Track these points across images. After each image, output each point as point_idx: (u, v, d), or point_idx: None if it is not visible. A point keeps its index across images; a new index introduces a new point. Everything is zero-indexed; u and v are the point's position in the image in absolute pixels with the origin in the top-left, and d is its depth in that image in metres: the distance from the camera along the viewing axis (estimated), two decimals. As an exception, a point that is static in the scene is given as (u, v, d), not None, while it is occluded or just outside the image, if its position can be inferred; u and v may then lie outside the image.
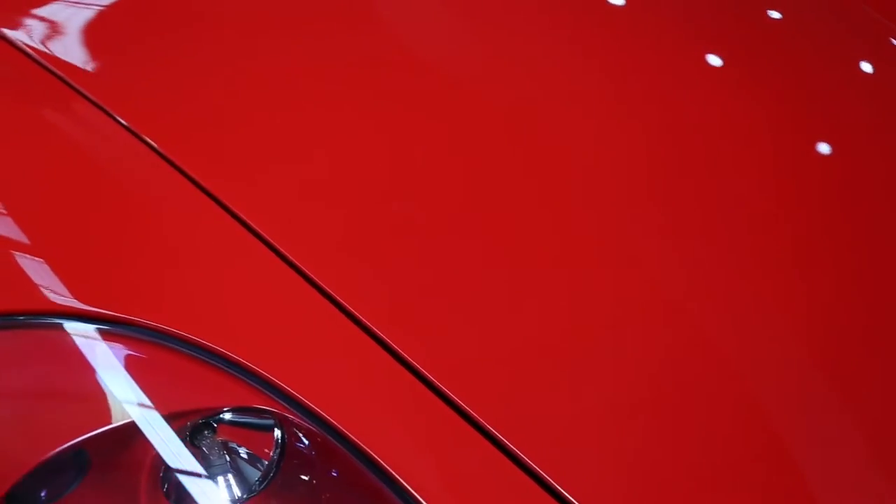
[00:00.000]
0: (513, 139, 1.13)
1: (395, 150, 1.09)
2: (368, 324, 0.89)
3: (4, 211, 0.97)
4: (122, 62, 1.17)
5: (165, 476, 0.84)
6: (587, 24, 1.36)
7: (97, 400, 0.86)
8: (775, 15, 1.45)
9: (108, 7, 1.28)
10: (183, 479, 0.83)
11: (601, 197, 1.09)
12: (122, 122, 1.04)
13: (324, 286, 0.91)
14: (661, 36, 1.35)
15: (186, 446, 0.83)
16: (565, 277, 1.00)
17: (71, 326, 0.88)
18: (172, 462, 0.83)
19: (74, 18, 1.25)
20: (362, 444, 0.82)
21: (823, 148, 1.23)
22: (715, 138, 1.19)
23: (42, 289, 0.91)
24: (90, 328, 0.87)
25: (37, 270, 0.93)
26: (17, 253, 0.94)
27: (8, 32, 1.16)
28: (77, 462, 0.85)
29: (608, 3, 1.42)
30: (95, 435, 0.84)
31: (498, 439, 0.84)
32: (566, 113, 1.19)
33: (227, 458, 0.84)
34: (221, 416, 0.85)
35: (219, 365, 0.85)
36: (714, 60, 1.32)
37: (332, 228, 0.99)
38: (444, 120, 1.14)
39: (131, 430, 0.84)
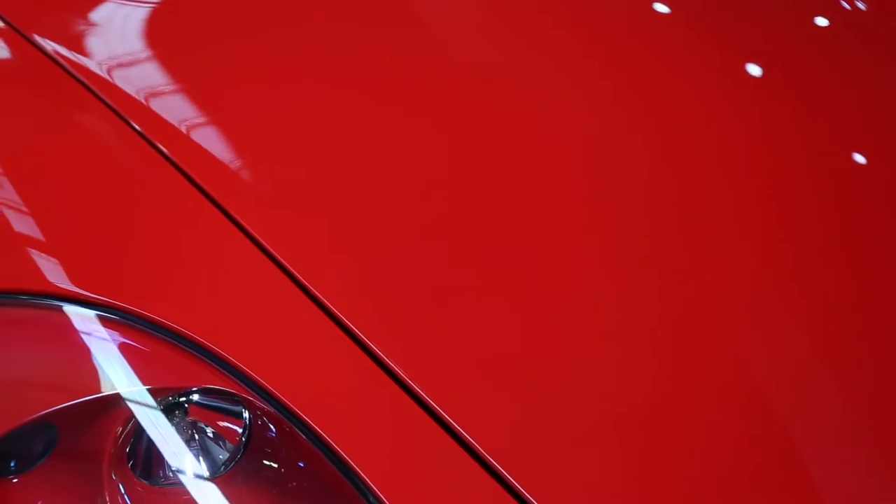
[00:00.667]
0: (517, 141, 1.14)
1: (393, 153, 1.10)
2: (352, 326, 0.90)
3: (20, 202, 1.02)
4: (137, 65, 1.20)
5: (132, 451, 0.87)
6: (598, 26, 1.36)
7: (84, 376, 0.89)
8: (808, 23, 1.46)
9: (123, 11, 1.32)
10: (150, 455, 0.86)
11: (598, 201, 1.09)
12: (136, 126, 1.08)
13: (307, 284, 0.93)
14: (678, 38, 1.36)
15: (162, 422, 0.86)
16: (560, 281, 1.00)
17: (69, 309, 0.92)
18: (150, 434, 0.86)
19: (98, 23, 1.30)
20: (329, 439, 0.83)
21: (833, 152, 1.22)
22: (725, 140, 1.19)
23: (45, 273, 0.96)
24: (89, 312, 0.91)
25: (41, 256, 0.98)
26: (25, 240, 0.99)
27: (34, 36, 1.20)
28: (47, 436, 0.88)
29: (623, 5, 1.42)
30: (66, 408, 0.86)
31: (468, 442, 0.85)
32: (570, 116, 1.19)
33: (196, 437, 0.86)
34: (192, 397, 0.88)
35: (204, 359, 0.88)
36: (731, 66, 1.32)
37: (324, 229, 1.01)
38: (444, 122, 1.15)
39: (102, 404, 0.87)
